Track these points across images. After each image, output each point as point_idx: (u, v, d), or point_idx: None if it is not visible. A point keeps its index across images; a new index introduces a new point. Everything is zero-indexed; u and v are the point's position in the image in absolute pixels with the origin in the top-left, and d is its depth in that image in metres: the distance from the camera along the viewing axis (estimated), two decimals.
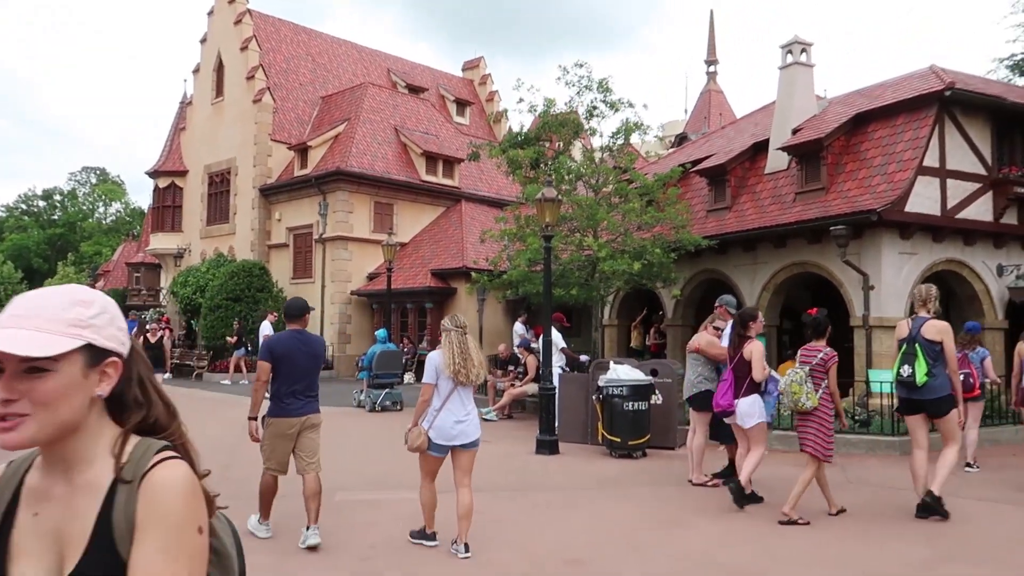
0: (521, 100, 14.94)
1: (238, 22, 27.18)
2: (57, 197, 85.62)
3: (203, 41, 29.26)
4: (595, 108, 14.83)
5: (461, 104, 34.84)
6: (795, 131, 15.39)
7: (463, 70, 38.43)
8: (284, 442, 5.93)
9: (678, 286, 15.57)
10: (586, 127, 15.16)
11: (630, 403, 9.81)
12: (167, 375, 15.26)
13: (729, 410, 7.14)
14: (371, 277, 23.78)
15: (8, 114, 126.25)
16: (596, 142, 15.41)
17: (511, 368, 14.18)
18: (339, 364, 22.84)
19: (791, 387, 6.54)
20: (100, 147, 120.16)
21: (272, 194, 25.72)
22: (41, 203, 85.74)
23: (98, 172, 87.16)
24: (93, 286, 39.20)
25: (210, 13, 28.94)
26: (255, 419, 6.09)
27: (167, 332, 22.63)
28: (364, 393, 14.83)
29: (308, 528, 5.84)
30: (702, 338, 8.30)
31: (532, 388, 13.35)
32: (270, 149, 25.95)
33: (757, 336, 7.22)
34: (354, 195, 23.75)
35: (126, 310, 33.88)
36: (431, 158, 25.75)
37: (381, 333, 14.84)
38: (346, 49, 32.11)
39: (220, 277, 23.34)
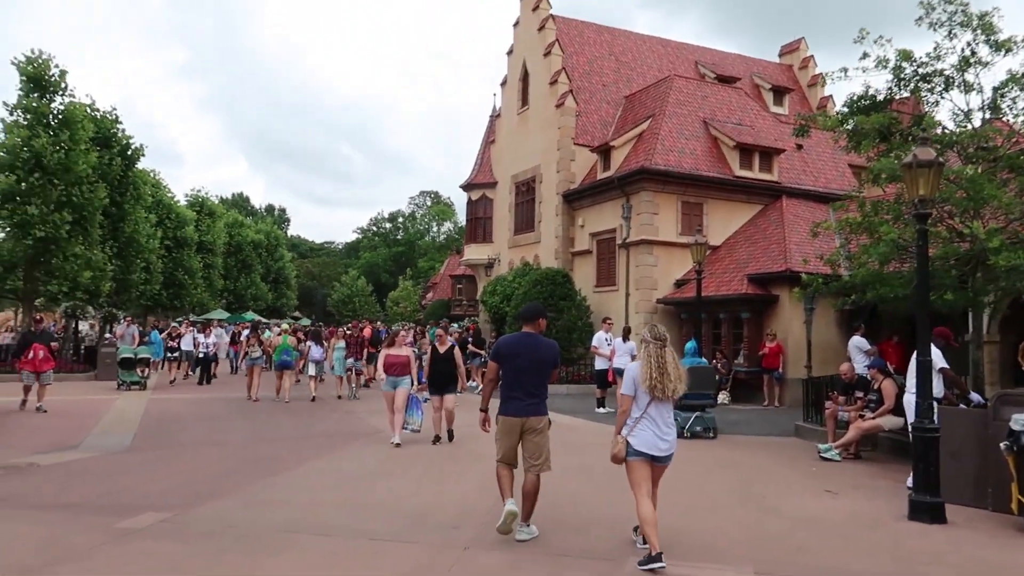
0: (865, 56, 11.80)
1: (541, 28, 26.96)
2: (400, 219, 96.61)
3: (509, 53, 29.66)
4: (973, 54, 11.19)
5: (778, 92, 31.21)
6: None
7: (780, 55, 34.65)
8: (509, 439, 6.15)
9: None
10: (957, 80, 11.53)
11: None
12: (459, 392, 12.63)
13: None
14: (679, 284, 21.66)
15: (361, 148, 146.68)
16: (973, 100, 11.68)
17: (859, 395, 11.12)
18: None
19: None
20: (433, 171, 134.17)
21: (575, 199, 24.88)
22: (387, 225, 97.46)
23: (432, 195, 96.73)
24: (424, 297, 42.52)
25: (515, 24, 29.23)
26: (484, 411, 6.51)
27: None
28: None
29: (521, 525, 6.07)
30: None
31: (889, 422, 10.24)
32: (573, 153, 25.17)
33: None
34: (659, 195, 21.86)
35: (450, 319, 35.68)
36: (745, 151, 22.93)
37: (690, 345, 12.70)
38: (650, 45, 30.47)
39: (524, 286, 22.98)
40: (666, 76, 25.97)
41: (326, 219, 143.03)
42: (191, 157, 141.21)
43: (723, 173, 22.61)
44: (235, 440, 11.83)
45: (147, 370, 19.61)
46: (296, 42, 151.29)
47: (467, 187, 30.62)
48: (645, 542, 5.48)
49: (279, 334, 18.94)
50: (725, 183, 22.48)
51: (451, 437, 11.24)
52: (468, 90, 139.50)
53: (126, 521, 6.53)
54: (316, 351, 17.44)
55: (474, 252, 30.24)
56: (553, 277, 22.56)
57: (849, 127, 11.66)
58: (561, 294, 22.12)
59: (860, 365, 14.98)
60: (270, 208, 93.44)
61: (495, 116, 31.09)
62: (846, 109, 12.11)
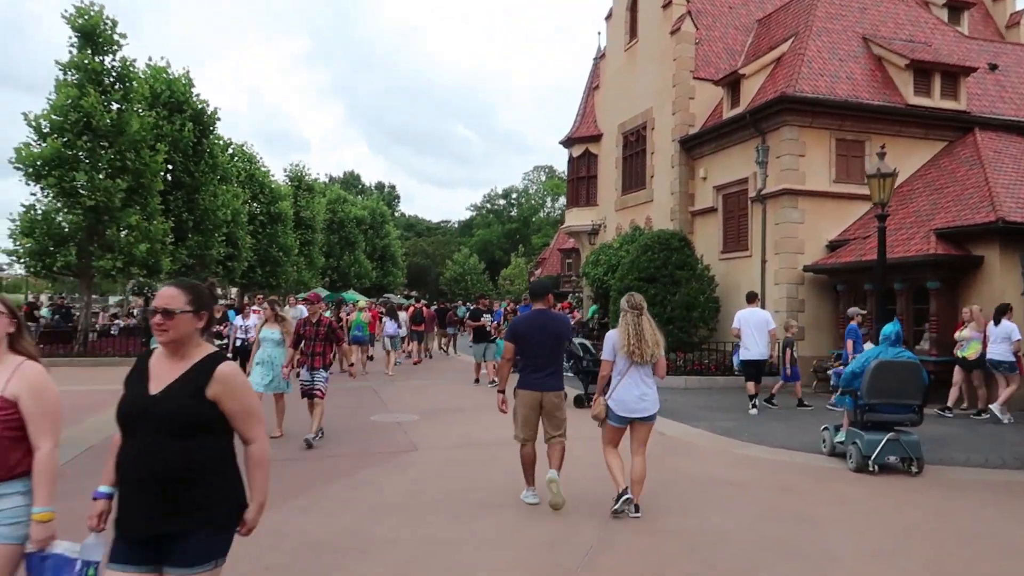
0: None
1: None
2: (514, 195, 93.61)
3: None
4: None
5: (955, 8, 24.97)
6: None
7: None
8: (530, 413, 6.30)
9: None
10: None
11: None
12: None
13: None
14: (832, 246, 16.69)
15: (477, 128, 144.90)
16: None
17: None
18: None
19: None
20: (549, 148, 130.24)
21: (695, 146, 20.18)
22: (501, 201, 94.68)
23: (546, 170, 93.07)
24: (533, 274, 38.36)
25: None
26: (502, 392, 6.56)
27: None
28: (844, 433, 8.30)
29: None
30: None
31: None
32: (692, 90, 20.43)
33: None
34: (806, 131, 16.87)
35: (558, 296, 31.65)
36: (922, 72, 17.48)
37: (889, 329, 7.85)
38: None
39: (632, 253, 18.64)
40: None
41: (446, 200, 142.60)
42: (316, 142, 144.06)
43: (892, 101, 17.29)
44: None
45: None
46: (413, 25, 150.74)
47: (567, 142, 26.36)
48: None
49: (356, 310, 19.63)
50: (895, 113, 17.17)
51: None
52: (583, 62, 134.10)
53: None
54: (390, 326, 18.98)
55: (575, 217, 26.02)
56: (667, 241, 18.07)
57: None
58: (678, 262, 17.64)
59: None
60: (380, 186, 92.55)
61: (599, 58, 26.57)
62: None
